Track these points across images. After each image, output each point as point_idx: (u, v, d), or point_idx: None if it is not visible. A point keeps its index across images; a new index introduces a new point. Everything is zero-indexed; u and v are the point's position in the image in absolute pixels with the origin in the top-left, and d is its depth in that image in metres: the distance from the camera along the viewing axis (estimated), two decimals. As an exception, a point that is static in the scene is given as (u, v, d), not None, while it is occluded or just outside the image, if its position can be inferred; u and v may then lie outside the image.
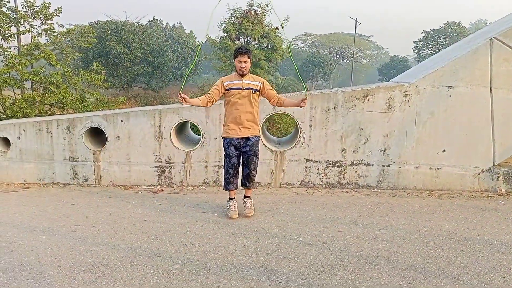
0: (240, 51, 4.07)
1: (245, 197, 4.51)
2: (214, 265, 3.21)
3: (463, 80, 5.20)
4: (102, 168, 5.75)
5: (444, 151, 5.33)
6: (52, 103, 12.02)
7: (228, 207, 4.43)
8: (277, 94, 4.35)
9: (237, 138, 4.20)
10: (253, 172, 4.35)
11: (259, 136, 4.35)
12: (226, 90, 4.17)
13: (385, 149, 5.41)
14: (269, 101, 4.39)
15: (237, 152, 4.26)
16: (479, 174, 5.36)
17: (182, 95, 3.87)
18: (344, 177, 5.53)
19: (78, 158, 5.76)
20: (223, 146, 4.33)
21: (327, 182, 5.56)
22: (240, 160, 4.35)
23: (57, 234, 3.87)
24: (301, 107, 4.19)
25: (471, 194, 5.27)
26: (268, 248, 3.54)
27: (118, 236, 3.83)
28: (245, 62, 4.07)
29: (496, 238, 3.80)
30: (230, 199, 4.45)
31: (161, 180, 5.72)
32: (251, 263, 3.25)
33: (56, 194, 5.35)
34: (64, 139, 5.74)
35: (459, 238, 3.79)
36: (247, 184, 4.41)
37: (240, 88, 4.13)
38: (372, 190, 5.47)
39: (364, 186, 5.53)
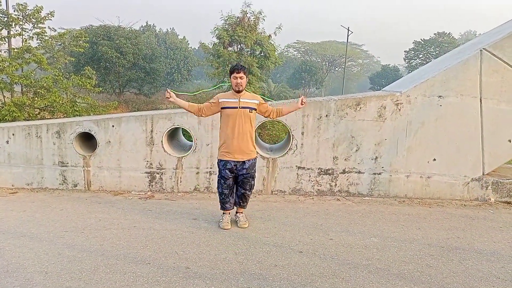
0: (235, 68, 4.04)
1: (237, 212, 4.43)
2: (204, 273, 3.18)
3: (453, 90, 5.26)
4: (92, 173, 5.69)
5: (434, 160, 5.38)
6: (42, 107, 11.90)
7: (221, 220, 4.31)
8: (270, 107, 4.28)
9: (234, 161, 4.10)
10: (248, 193, 4.28)
11: (255, 158, 4.25)
12: (222, 108, 4.09)
13: (376, 157, 5.44)
14: (269, 116, 4.31)
15: (232, 174, 4.15)
16: (468, 183, 5.41)
17: (169, 90, 3.87)
18: (335, 185, 5.54)
19: (67, 163, 5.69)
20: (218, 167, 4.21)
21: (318, 189, 5.56)
22: (235, 180, 4.24)
23: (45, 240, 3.81)
24: (302, 105, 4.18)
25: (460, 203, 5.32)
26: (259, 256, 3.52)
27: (107, 242, 3.78)
28: (240, 78, 4.00)
29: (485, 247, 3.83)
30: (224, 213, 4.35)
31: (152, 186, 5.68)
32: (242, 271, 3.22)
33: (44, 200, 5.27)
34: (54, 144, 5.67)
35: (449, 247, 3.81)
36: (241, 203, 4.34)
37: (236, 108, 4.03)
38: (363, 198, 5.49)
39: (355, 194, 5.54)
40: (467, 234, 4.17)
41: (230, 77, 4.10)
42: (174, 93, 4.07)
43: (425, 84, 5.30)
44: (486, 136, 5.30)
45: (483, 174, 5.40)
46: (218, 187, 4.27)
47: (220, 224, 4.27)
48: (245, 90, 4.16)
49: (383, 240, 3.95)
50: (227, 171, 4.13)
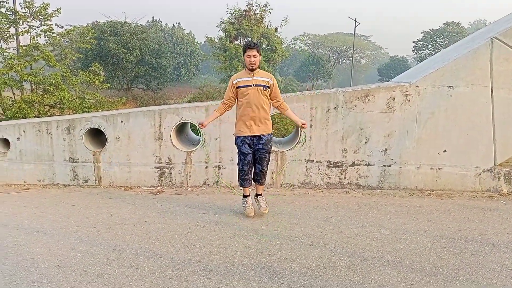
0: (249, 46, 4.09)
1: (257, 195, 4.51)
2: (215, 266, 3.20)
3: (463, 80, 5.19)
4: (102, 169, 5.74)
5: (445, 151, 5.32)
6: (52, 104, 12.01)
7: (244, 205, 4.44)
8: (281, 99, 4.32)
9: (250, 136, 4.19)
10: (265, 169, 4.37)
11: (271, 134, 4.33)
12: (237, 88, 4.15)
13: (386, 149, 5.40)
14: (273, 102, 4.34)
15: (251, 149, 4.25)
16: (480, 174, 5.35)
17: (199, 122, 4.12)
18: (345, 178, 5.52)
19: (78, 159, 5.75)
20: (236, 144, 4.30)
21: (328, 182, 5.55)
22: (253, 156, 4.33)
23: (58, 236, 3.86)
24: (302, 126, 4.21)
25: (472, 194, 5.26)
26: (270, 249, 3.53)
27: (119, 237, 3.81)
28: (254, 56, 4.05)
29: (498, 239, 3.79)
30: (245, 196, 4.46)
31: (162, 181, 5.71)
32: (253, 264, 3.23)
33: (56, 195, 5.33)
34: (64, 140, 5.72)
35: (461, 239, 3.78)
36: (259, 180, 4.41)
37: (250, 86, 4.10)
38: (373, 190, 5.46)
39: (365, 187, 5.52)
40: (480, 226, 4.13)
41: (243, 56, 4.15)
42: (202, 122, 4.29)
43: (434, 74, 5.23)
44: (497, 126, 5.23)
45: (494, 164, 5.33)
46: (238, 163, 4.36)
47: (244, 210, 4.41)
48: (259, 69, 4.20)
49: (394, 233, 3.94)
50: (246, 146, 4.22)
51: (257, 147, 4.23)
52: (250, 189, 4.48)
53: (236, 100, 4.27)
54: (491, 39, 5.13)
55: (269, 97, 4.24)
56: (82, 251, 3.49)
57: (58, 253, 3.44)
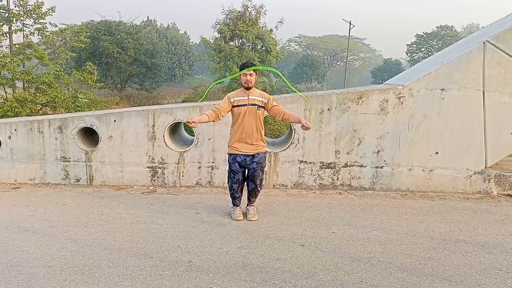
0: (245, 65, 4.12)
1: (248, 205, 4.48)
2: (207, 266, 3.19)
3: (456, 83, 5.23)
4: (94, 168, 5.70)
5: (437, 153, 5.36)
6: (44, 103, 11.93)
7: (233, 212, 4.41)
8: (282, 109, 4.26)
9: (243, 155, 4.17)
10: (259, 188, 4.34)
11: (265, 152, 4.33)
12: (233, 106, 4.16)
13: (378, 151, 5.43)
14: (274, 117, 4.32)
15: (241, 168, 4.23)
16: (471, 176, 5.40)
17: (190, 120, 3.93)
18: (337, 179, 5.54)
19: (70, 158, 5.71)
20: (228, 162, 4.29)
21: (320, 183, 5.56)
22: (245, 174, 4.32)
23: (48, 235, 3.82)
24: (305, 127, 4.10)
25: (463, 196, 5.31)
26: (262, 249, 3.53)
27: (110, 237, 3.79)
28: (250, 75, 4.09)
29: (487, 240, 3.82)
30: (234, 207, 4.45)
31: (154, 180, 5.68)
32: (245, 264, 3.23)
33: (47, 194, 5.29)
34: (56, 139, 5.68)
35: (452, 240, 3.81)
36: (251, 199, 4.42)
37: (245, 105, 4.11)
38: (366, 191, 5.48)
39: (357, 188, 5.54)
40: (470, 227, 4.17)
41: (240, 75, 4.17)
42: (192, 119, 4.06)
43: (427, 77, 5.27)
44: (488, 129, 5.28)
45: (485, 167, 5.38)
46: (228, 182, 4.35)
47: (232, 215, 4.37)
48: (255, 88, 4.23)
49: (385, 233, 3.95)
50: (236, 164, 4.20)
51: (250, 166, 4.21)
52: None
53: (232, 117, 4.25)
54: (484, 43, 5.18)
55: (263, 117, 4.23)
56: (72, 250, 3.46)
57: (47, 252, 3.41)
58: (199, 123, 4.05)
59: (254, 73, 4.14)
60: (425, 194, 5.38)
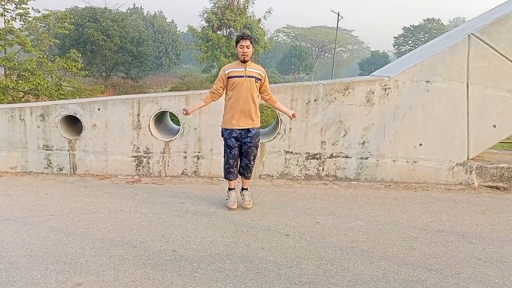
0: (242, 36, 4.04)
1: (242, 189, 4.47)
2: (191, 256, 3.19)
3: (441, 75, 5.28)
4: (77, 157, 5.62)
5: (420, 144, 5.43)
6: (26, 90, 11.68)
7: (227, 197, 4.40)
8: (270, 92, 4.29)
9: (239, 129, 4.13)
10: (252, 163, 4.33)
11: (260, 128, 4.29)
12: (228, 78, 4.08)
13: (364, 142, 5.47)
14: (261, 94, 4.30)
15: (238, 143, 4.19)
16: (453, 168, 5.49)
17: (183, 108, 3.92)
18: (323, 169, 5.57)
19: (52, 146, 5.60)
20: (223, 137, 4.24)
21: (306, 174, 5.59)
22: (240, 149, 4.28)
23: (29, 224, 3.76)
24: (292, 117, 4.20)
25: (445, 187, 5.40)
26: (246, 239, 3.54)
27: (93, 226, 3.75)
28: (247, 47, 3.99)
29: (468, 230, 3.90)
30: (230, 189, 4.42)
31: (139, 170, 5.63)
32: (229, 254, 3.24)
33: (29, 183, 5.20)
34: (38, 127, 5.57)
35: (433, 230, 3.88)
36: (245, 174, 4.38)
37: (242, 76, 4.03)
38: (350, 182, 5.53)
39: (342, 179, 5.58)
40: (451, 218, 4.25)
41: (236, 46, 4.10)
42: (186, 108, 4.12)
43: (413, 69, 5.31)
44: (471, 121, 5.36)
45: (467, 159, 5.47)
46: (224, 156, 4.32)
47: (227, 203, 4.36)
48: (251, 61, 4.15)
49: (369, 223, 4.00)
50: (233, 139, 4.16)
51: (245, 141, 4.17)
52: (235, 183, 4.44)
53: (225, 91, 4.19)
54: (469, 35, 5.22)
55: (259, 91, 4.21)
56: (54, 240, 3.42)
57: (29, 242, 3.36)
58: (195, 109, 4.05)
59: (251, 45, 4.06)
60: (408, 185, 5.46)
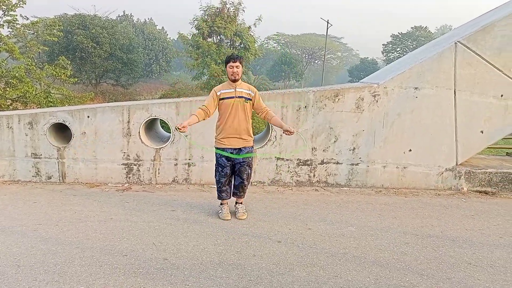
0: (232, 57, 4.09)
1: (236, 203, 4.45)
2: (182, 264, 3.16)
3: (428, 82, 5.36)
4: (66, 165, 5.55)
5: (410, 150, 5.49)
6: (14, 98, 11.53)
7: (220, 211, 4.34)
8: (266, 107, 4.25)
9: (230, 148, 4.13)
10: (246, 182, 4.29)
11: (252, 147, 4.28)
12: (220, 100, 4.10)
13: (354, 148, 5.50)
14: (257, 113, 4.30)
15: (229, 162, 4.18)
16: (442, 173, 5.55)
17: (178, 125, 3.83)
18: (314, 176, 5.59)
19: (41, 154, 5.53)
20: (215, 155, 4.23)
21: (297, 180, 5.60)
22: (232, 169, 4.26)
23: (17, 233, 3.70)
24: (287, 133, 4.05)
25: (435, 192, 5.45)
26: (238, 246, 3.52)
27: (83, 235, 3.70)
28: (236, 67, 4.05)
29: (458, 235, 3.94)
30: (222, 204, 4.39)
31: (129, 178, 5.59)
32: (221, 261, 3.22)
33: (16, 192, 5.12)
34: (26, 135, 5.50)
35: (424, 235, 3.91)
36: (238, 194, 4.37)
37: (233, 97, 4.07)
38: (341, 188, 5.56)
39: (333, 185, 5.61)
40: (441, 222, 4.28)
41: (226, 67, 4.14)
42: (181, 125, 3.92)
43: (401, 76, 5.38)
44: (459, 127, 5.44)
45: (456, 164, 5.54)
46: (215, 175, 4.30)
47: (220, 215, 4.30)
48: (241, 81, 4.19)
49: (360, 229, 4.02)
50: (223, 158, 4.16)
51: (237, 161, 4.17)
52: (227, 201, 4.41)
53: (219, 111, 4.18)
54: (455, 43, 5.32)
55: (251, 110, 4.20)
56: (43, 249, 3.36)
57: (16, 252, 3.30)
58: (189, 126, 3.91)
59: (241, 65, 4.10)
60: (399, 190, 5.50)
